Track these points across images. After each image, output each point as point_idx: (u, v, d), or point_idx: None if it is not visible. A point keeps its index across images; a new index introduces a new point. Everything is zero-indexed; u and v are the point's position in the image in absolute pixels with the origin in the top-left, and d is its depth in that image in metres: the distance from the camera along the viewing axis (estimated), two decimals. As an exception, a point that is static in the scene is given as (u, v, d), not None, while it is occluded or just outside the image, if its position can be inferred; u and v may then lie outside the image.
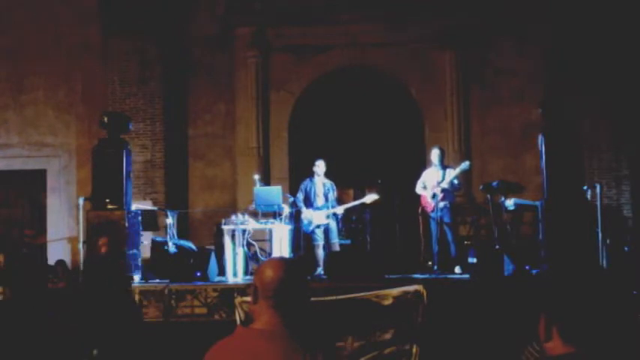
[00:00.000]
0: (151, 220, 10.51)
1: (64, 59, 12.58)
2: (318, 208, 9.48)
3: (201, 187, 12.50)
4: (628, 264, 9.03)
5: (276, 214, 9.48)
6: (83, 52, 12.51)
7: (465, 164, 9.48)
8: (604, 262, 8.48)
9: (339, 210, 9.56)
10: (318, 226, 9.46)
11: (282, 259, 2.44)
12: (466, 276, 8.78)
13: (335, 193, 9.65)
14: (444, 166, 9.53)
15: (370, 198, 9.45)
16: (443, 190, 9.27)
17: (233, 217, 9.31)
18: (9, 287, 4.35)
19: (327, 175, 9.67)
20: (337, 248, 9.49)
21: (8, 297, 4.32)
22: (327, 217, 9.46)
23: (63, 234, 12.30)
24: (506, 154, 12.07)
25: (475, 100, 12.22)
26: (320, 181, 9.60)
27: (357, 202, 9.71)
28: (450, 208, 9.41)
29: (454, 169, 9.48)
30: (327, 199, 9.52)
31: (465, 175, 10.90)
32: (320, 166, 9.59)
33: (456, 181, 9.38)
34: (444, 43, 12.14)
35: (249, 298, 2.98)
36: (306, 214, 9.49)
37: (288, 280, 2.25)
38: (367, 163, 11.68)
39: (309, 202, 9.53)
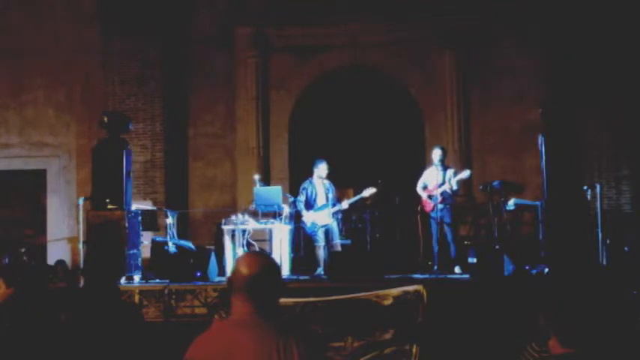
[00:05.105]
0: (151, 220, 10.52)
1: (64, 59, 12.56)
2: (319, 209, 9.45)
3: (201, 187, 12.49)
4: (628, 264, 9.03)
5: (276, 214, 9.47)
6: (83, 52, 12.48)
7: (466, 173, 9.44)
8: (604, 262, 8.49)
9: (343, 206, 9.51)
10: (322, 227, 9.44)
11: (255, 255, 2.57)
12: (466, 276, 8.78)
13: (334, 192, 9.62)
14: (444, 167, 9.51)
15: (368, 191, 9.42)
16: (442, 193, 9.27)
17: (233, 217, 9.31)
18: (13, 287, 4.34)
19: (328, 175, 9.64)
20: (339, 249, 9.46)
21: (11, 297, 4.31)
22: (330, 215, 9.44)
23: (63, 234, 12.30)
24: (506, 154, 12.06)
25: (475, 100, 12.21)
26: (320, 182, 9.58)
27: (356, 198, 9.66)
28: (450, 209, 9.40)
29: (454, 170, 9.46)
30: (327, 199, 9.50)
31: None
32: (322, 169, 9.52)
33: (455, 186, 9.36)
34: (444, 43, 12.14)
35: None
36: (308, 216, 9.47)
37: (260, 276, 2.43)
38: (367, 163, 11.67)
39: (310, 204, 9.50)
